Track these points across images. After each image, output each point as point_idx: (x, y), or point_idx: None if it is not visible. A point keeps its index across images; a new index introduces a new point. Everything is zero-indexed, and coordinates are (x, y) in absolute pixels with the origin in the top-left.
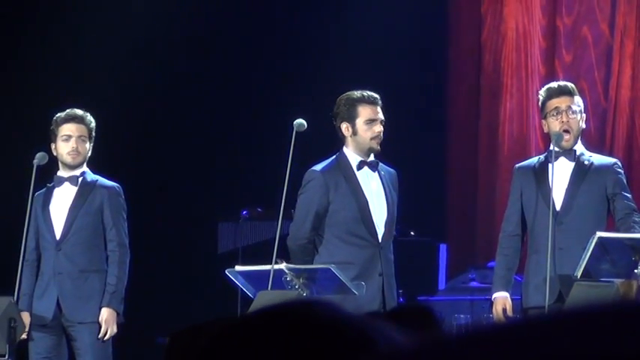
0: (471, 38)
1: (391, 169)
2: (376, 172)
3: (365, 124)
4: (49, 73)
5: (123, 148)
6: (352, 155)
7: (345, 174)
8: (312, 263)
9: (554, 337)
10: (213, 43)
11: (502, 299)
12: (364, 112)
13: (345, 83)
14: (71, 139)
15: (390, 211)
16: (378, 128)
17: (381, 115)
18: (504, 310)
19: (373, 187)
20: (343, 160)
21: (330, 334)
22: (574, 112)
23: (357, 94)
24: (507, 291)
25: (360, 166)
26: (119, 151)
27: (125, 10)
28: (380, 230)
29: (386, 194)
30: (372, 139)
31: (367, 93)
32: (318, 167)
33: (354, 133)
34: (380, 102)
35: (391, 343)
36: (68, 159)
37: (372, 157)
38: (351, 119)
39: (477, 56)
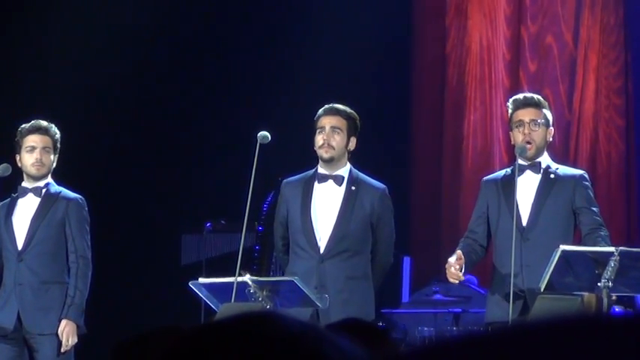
0: (435, 51)
1: (378, 186)
2: (343, 187)
3: (317, 134)
4: (14, 84)
5: (87, 159)
6: (319, 168)
7: (304, 186)
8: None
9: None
10: (178, 56)
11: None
12: (318, 123)
13: (309, 95)
14: (35, 151)
15: (341, 225)
16: (324, 136)
17: (333, 123)
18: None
19: (327, 201)
20: (313, 173)
21: (284, 348)
22: (537, 125)
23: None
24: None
25: (322, 179)
26: (83, 162)
27: (90, 21)
28: (322, 243)
29: (346, 209)
30: (319, 147)
31: (327, 105)
32: (288, 179)
33: (314, 145)
34: (336, 111)
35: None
36: (32, 170)
37: (340, 172)
38: (314, 133)
39: (440, 69)
